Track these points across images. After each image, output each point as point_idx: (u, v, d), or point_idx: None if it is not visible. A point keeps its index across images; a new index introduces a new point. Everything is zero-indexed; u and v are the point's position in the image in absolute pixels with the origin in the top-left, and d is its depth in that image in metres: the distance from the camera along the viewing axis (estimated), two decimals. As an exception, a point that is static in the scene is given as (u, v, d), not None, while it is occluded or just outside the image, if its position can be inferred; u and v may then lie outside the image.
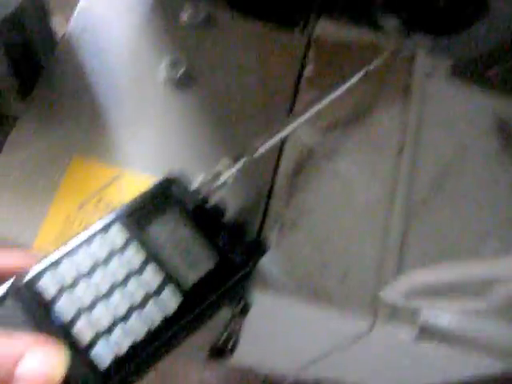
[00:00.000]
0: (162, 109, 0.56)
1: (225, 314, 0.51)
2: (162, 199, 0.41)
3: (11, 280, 0.35)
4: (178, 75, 0.56)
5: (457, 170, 0.57)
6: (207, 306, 0.38)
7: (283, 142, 0.55)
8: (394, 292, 0.47)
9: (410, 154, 0.56)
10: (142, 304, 0.36)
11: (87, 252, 0.37)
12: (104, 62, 0.57)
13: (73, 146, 0.52)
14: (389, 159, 0.56)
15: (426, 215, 0.54)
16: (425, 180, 0.56)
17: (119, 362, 0.34)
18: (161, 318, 0.36)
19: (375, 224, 0.53)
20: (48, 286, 0.35)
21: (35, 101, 0.54)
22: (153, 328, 0.36)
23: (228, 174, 0.45)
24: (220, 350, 0.66)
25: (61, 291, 0.35)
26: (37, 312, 0.35)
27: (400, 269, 0.51)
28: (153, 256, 0.38)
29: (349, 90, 0.54)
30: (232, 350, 0.65)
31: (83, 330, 0.34)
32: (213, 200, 0.43)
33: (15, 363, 0.30)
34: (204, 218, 0.41)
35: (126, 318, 0.36)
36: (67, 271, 0.36)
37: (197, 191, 0.42)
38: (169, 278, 0.37)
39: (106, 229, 0.38)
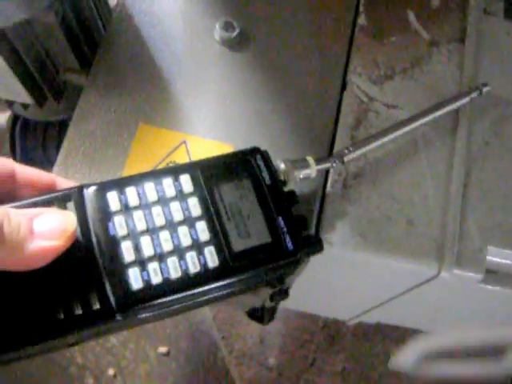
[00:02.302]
0: (219, 72, 0.56)
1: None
2: (241, 166, 0.42)
3: (76, 184, 0.39)
4: (233, 37, 0.56)
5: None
6: (242, 279, 0.39)
7: (341, 96, 0.56)
8: (406, 357, 0.46)
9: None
10: (184, 251, 0.38)
11: (155, 187, 0.39)
12: (159, 29, 0.58)
13: (138, 114, 0.53)
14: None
15: (486, 160, 0.54)
16: (485, 124, 0.55)
17: (148, 291, 0.36)
18: (195, 271, 0.38)
19: (437, 172, 0.53)
20: (112, 200, 0.38)
21: (96, 72, 0.55)
22: (185, 277, 0.37)
23: (314, 170, 0.46)
24: (256, 317, 0.67)
25: (121, 209, 0.38)
26: (95, 217, 0.37)
27: (463, 215, 0.51)
28: (209, 214, 0.40)
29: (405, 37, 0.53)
30: (268, 321, 0.66)
31: (128, 250, 0.37)
32: (289, 187, 0.44)
33: (31, 220, 0.33)
34: (275, 198, 0.42)
35: (165, 256, 0.37)
36: (132, 195, 0.39)
37: (278, 172, 0.44)
38: (216, 239, 0.39)
39: (177, 175, 0.40)
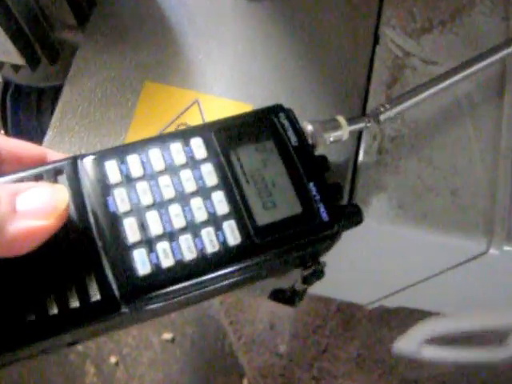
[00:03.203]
0: (236, 23, 0.51)
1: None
2: (261, 126, 0.36)
3: (70, 155, 0.33)
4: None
5: None
6: (270, 259, 0.33)
7: (374, 50, 0.50)
8: (408, 342, 0.42)
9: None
10: (198, 228, 0.32)
11: (161, 153, 0.34)
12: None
13: (144, 71, 0.48)
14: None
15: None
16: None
17: (158, 276, 0.31)
18: (213, 251, 0.32)
19: (484, 136, 0.47)
20: (111, 171, 0.33)
21: (95, 27, 0.50)
22: (201, 258, 0.32)
23: (346, 131, 0.40)
24: (280, 298, 0.61)
25: (122, 181, 0.33)
26: (92, 192, 0.32)
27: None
28: (227, 183, 0.34)
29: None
30: (294, 304, 0.60)
31: (132, 228, 0.32)
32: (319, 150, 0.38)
33: (14, 196, 0.28)
34: (303, 161, 0.36)
35: (176, 234, 0.32)
36: (135, 164, 0.34)
37: (306, 133, 0.38)
38: (236, 212, 0.33)
39: (187, 138, 0.35)
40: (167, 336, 1.13)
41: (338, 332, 1.11)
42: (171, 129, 0.45)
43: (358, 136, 0.47)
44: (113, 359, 1.13)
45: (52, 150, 0.36)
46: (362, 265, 0.61)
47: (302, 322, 1.10)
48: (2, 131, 0.69)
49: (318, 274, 0.39)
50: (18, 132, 0.68)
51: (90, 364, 1.10)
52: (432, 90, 0.44)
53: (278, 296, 0.54)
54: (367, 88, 0.49)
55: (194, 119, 0.45)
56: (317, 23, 0.51)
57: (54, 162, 0.33)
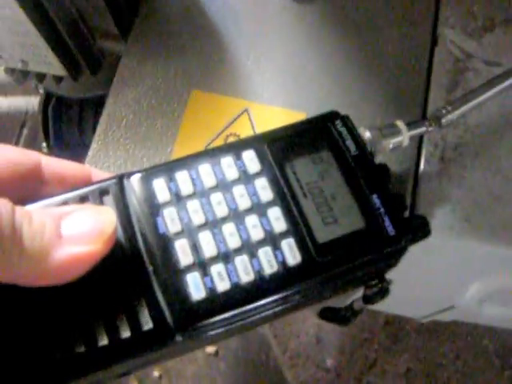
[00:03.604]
0: (286, 28, 0.49)
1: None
2: (317, 135, 0.34)
3: (115, 174, 0.32)
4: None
5: None
6: (333, 278, 0.31)
7: (432, 52, 0.47)
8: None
9: None
10: (255, 247, 0.30)
11: (212, 168, 0.32)
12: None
13: (190, 79, 0.46)
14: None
15: None
16: None
17: (213, 301, 0.29)
18: (272, 271, 0.30)
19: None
20: (160, 189, 0.31)
21: (138, 35, 0.49)
22: (259, 280, 0.29)
23: (406, 136, 0.38)
24: (331, 318, 0.58)
25: (171, 200, 0.31)
26: (140, 213, 0.31)
27: None
28: (283, 198, 0.32)
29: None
30: (348, 323, 0.56)
31: (184, 250, 0.30)
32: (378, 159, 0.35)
33: (59, 220, 0.26)
34: (365, 172, 0.33)
35: (231, 255, 0.30)
36: (184, 181, 0.32)
37: (365, 141, 0.35)
38: (295, 229, 0.31)
39: (238, 152, 0.33)
40: (211, 349, 1.12)
41: (386, 345, 1.08)
42: (220, 140, 0.43)
43: (419, 145, 0.44)
44: (156, 373, 1.12)
45: (97, 169, 0.34)
46: (419, 278, 0.58)
47: (349, 335, 1.07)
48: (45, 146, 0.68)
49: (384, 292, 0.36)
50: (60, 145, 0.67)
51: (133, 378, 1.09)
52: (497, 89, 0.41)
53: (328, 315, 0.52)
54: (426, 93, 0.46)
55: (243, 129, 0.43)
56: (371, 25, 0.48)
57: (100, 181, 0.31)
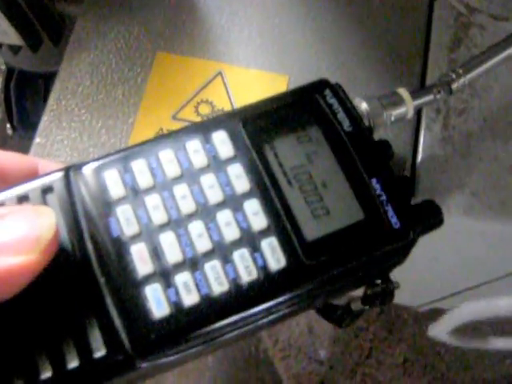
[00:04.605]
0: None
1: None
2: (303, 109, 0.29)
3: (61, 167, 0.28)
4: None
5: None
6: (324, 284, 0.26)
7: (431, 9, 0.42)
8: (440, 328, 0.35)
9: None
10: (229, 250, 0.26)
11: (175, 154, 0.28)
12: None
13: (155, 40, 0.43)
14: None
15: None
16: None
17: (179, 318, 0.24)
18: (250, 279, 0.25)
19: None
20: (112, 183, 0.27)
21: None
22: (235, 291, 0.25)
23: (411, 106, 0.33)
24: (329, 316, 0.52)
25: (127, 195, 0.27)
26: (90, 213, 0.26)
27: None
28: (263, 187, 0.27)
29: None
30: (341, 325, 0.51)
31: (142, 256, 0.26)
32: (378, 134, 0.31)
33: None
34: (362, 153, 0.28)
35: (200, 261, 0.26)
36: (142, 171, 0.27)
37: (360, 114, 0.30)
38: (277, 226, 0.26)
39: (207, 133, 0.28)
40: (198, 343, 1.10)
41: (382, 335, 1.06)
42: (190, 107, 0.39)
43: (418, 110, 0.39)
44: (141, 367, 1.10)
45: (45, 160, 0.30)
46: (421, 263, 0.54)
47: (343, 324, 1.05)
48: (9, 127, 0.65)
49: (387, 295, 0.31)
50: (25, 125, 0.63)
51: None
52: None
53: (328, 313, 0.47)
54: (426, 54, 0.42)
55: (217, 95, 0.40)
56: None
57: (42, 176, 0.27)
